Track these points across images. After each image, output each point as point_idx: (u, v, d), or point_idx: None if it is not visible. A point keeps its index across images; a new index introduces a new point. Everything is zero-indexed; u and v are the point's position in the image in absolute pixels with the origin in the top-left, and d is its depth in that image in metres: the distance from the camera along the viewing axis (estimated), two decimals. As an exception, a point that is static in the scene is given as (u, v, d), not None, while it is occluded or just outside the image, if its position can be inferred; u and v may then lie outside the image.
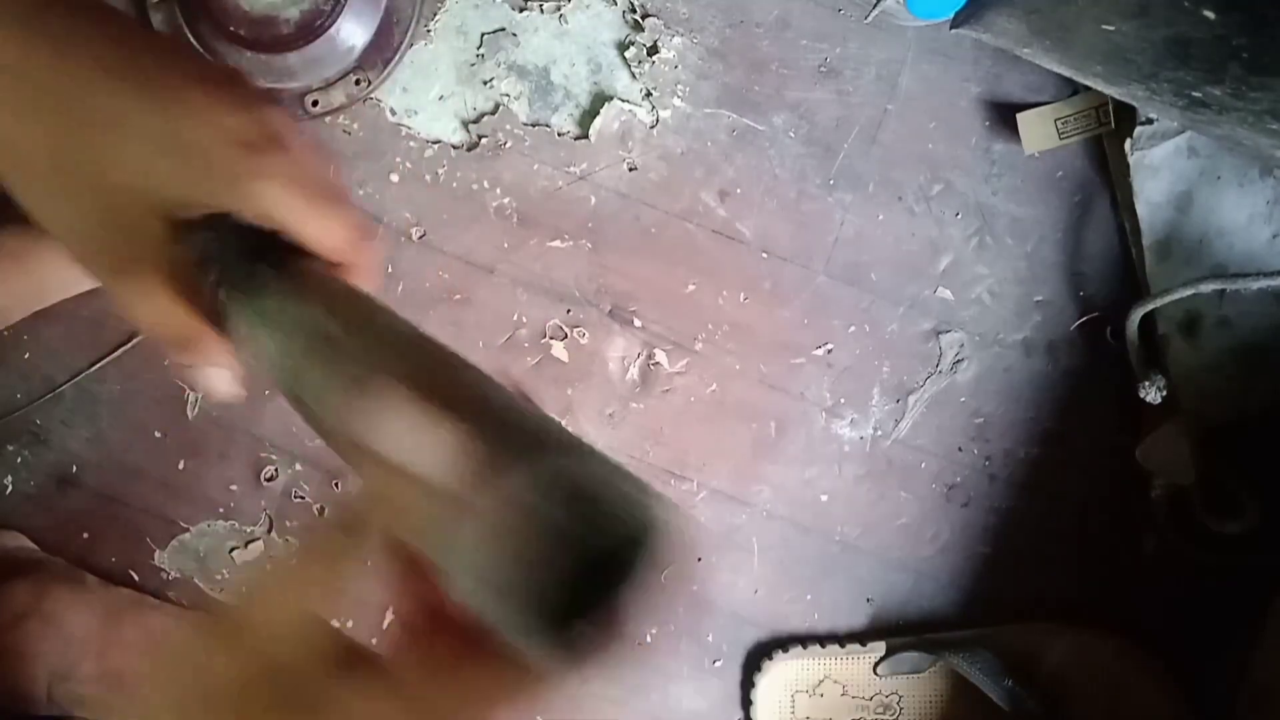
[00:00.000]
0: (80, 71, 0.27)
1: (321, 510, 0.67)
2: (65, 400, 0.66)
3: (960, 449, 0.67)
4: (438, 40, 0.66)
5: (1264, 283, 0.56)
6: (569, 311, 0.67)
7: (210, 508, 0.67)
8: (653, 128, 0.66)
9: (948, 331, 0.67)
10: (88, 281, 0.62)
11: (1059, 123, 0.64)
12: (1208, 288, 0.58)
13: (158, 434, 0.67)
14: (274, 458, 0.67)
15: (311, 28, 0.60)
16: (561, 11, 0.66)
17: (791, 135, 0.66)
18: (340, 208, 0.31)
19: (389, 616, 0.65)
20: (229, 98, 0.28)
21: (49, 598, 0.60)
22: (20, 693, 0.56)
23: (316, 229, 0.30)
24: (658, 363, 0.67)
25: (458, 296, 0.66)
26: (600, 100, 0.66)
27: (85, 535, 0.67)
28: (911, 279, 0.66)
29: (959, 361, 0.67)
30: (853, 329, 0.67)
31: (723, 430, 0.67)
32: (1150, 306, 0.60)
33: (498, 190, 0.66)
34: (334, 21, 0.60)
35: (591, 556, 0.24)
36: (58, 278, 0.61)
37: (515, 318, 0.67)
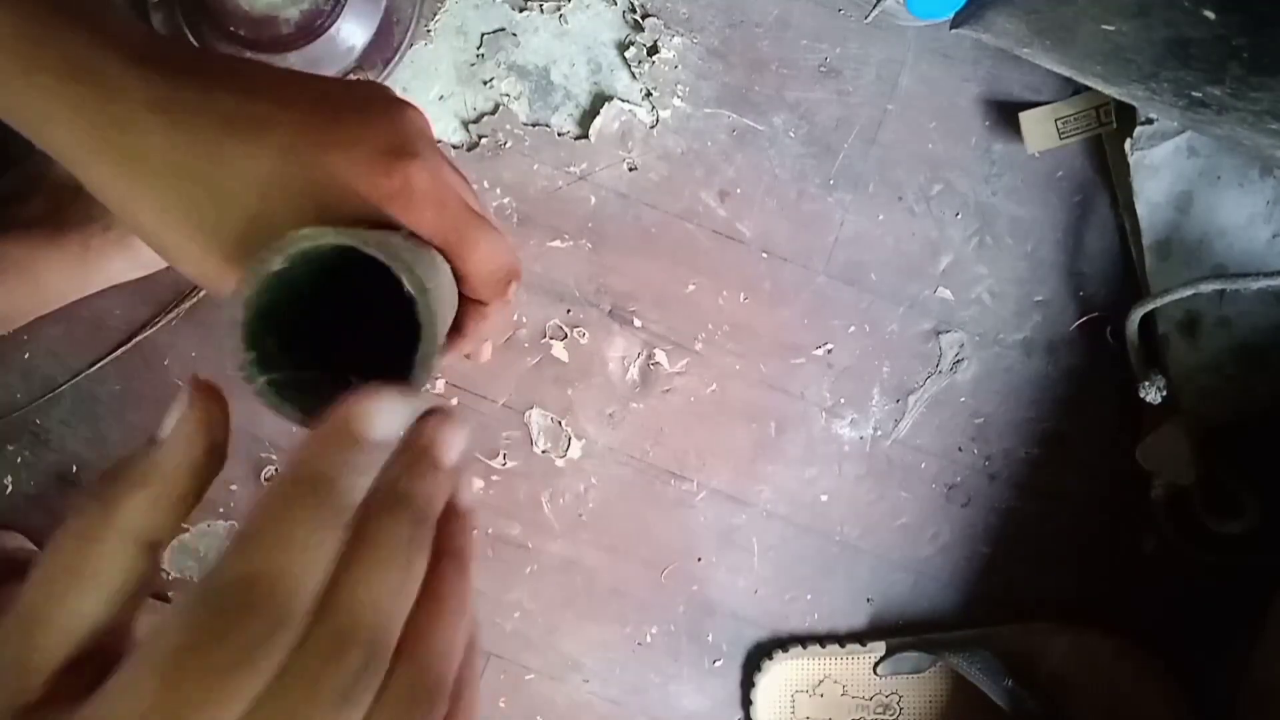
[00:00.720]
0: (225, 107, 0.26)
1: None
2: (65, 400, 0.66)
3: (960, 449, 0.67)
4: (438, 40, 0.66)
5: (1264, 283, 0.56)
6: (569, 311, 0.67)
7: (210, 508, 0.67)
8: (653, 128, 0.66)
9: (948, 331, 0.67)
10: (91, 287, 0.62)
11: (1059, 122, 0.64)
12: (1208, 288, 0.58)
13: (157, 434, 0.67)
14: (274, 458, 0.67)
15: (311, 28, 0.60)
16: (561, 11, 0.66)
17: (791, 135, 0.66)
18: (492, 228, 0.30)
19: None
20: (364, 111, 0.27)
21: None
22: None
23: (463, 249, 0.28)
24: (658, 363, 0.67)
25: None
26: (600, 100, 0.66)
27: (85, 535, 0.67)
28: (911, 279, 0.66)
29: (959, 361, 0.67)
30: (853, 329, 0.67)
31: (723, 430, 0.67)
32: (1150, 306, 0.60)
33: (498, 190, 0.66)
34: (334, 21, 0.60)
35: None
36: (61, 285, 0.61)
37: (515, 318, 0.67)
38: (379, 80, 0.65)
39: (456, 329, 0.31)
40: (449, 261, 0.29)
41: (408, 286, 0.23)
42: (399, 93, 0.65)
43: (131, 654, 0.18)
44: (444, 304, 0.26)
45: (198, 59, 0.27)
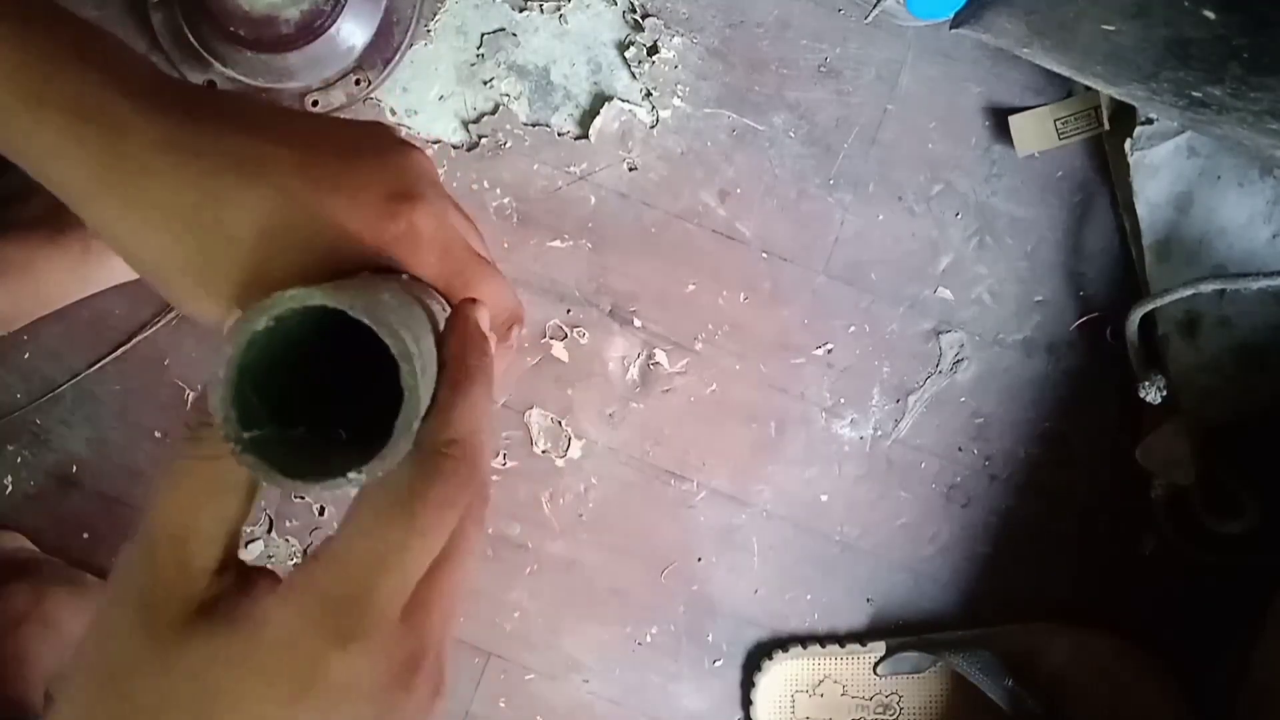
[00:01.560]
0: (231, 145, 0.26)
1: (321, 510, 0.67)
2: (65, 400, 0.66)
3: (960, 449, 0.67)
4: (438, 40, 0.66)
5: (1264, 283, 0.56)
6: (569, 311, 0.67)
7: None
8: (653, 128, 0.66)
9: (948, 331, 0.67)
10: (91, 287, 0.62)
11: (1058, 123, 0.64)
12: (1208, 288, 0.58)
13: (158, 434, 0.67)
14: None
15: (311, 28, 0.60)
16: (561, 11, 0.66)
17: (791, 135, 0.66)
18: (495, 272, 0.30)
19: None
20: (369, 154, 0.28)
21: (48, 600, 0.60)
22: (19, 697, 0.56)
23: (466, 293, 0.29)
24: (658, 363, 0.67)
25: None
26: (600, 100, 0.66)
27: (85, 535, 0.67)
28: (911, 279, 0.66)
29: (959, 361, 0.67)
30: (853, 329, 0.67)
31: (723, 430, 0.67)
32: (1150, 306, 0.60)
33: (498, 190, 0.66)
34: (334, 21, 0.60)
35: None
36: (62, 286, 0.61)
37: (515, 318, 0.67)
38: (378, 81, 0.65)
39: None
40: (451, 306, 0.29)
41: (393, 352, 0.23)
42: (399, 93, 0.65)
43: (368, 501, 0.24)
44: (435, 360, 0.26)
45: (206, 99, 0.27)
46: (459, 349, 0.27)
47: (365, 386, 0.27)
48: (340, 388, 0.28)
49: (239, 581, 0.25)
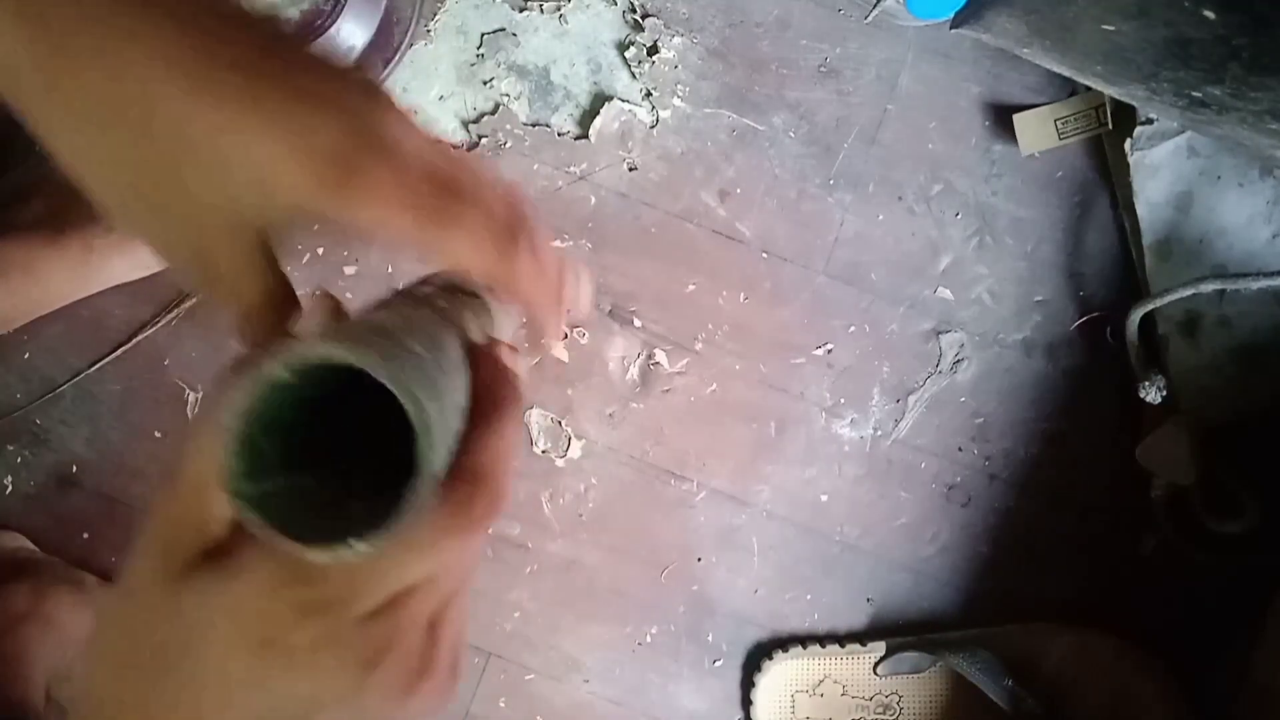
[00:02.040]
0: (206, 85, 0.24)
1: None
2: (65, 400, 0.66)
3: (960, 449, 0.67)
4: (438, 40, 0.66)
5: (1264, 283, 0.56)
6: (569, 311, 0.66)
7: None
8: (653, 128, 0.66)
9: (948, 331, 0.67)
10: (92, 287, 0.62)
11: (1058, 123, 0.64)
12: (1208, 288, 0.58)
13: (158, 434, 0.67)
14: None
15: (311, 28, 0.60)
16: (561, 11, 0.66)
17: (791, 135, 0.66)
18: (564, 265, 0.31)
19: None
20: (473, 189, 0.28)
21: (49, 600, 0.60)
22: (19, 696, 0.56)
23: (543, 304, 0.30)
24: (658, 363, 0.67)
25: (458, 297, 0.66)
26: (600, 100, 0.66)
27: (85, 535, 0.67)
28: (911, 279, 0.66)
29: (959, 361, 0.67)
30: (853, 329, 0.67)
31: (723, 430, 0.67)
32: (1150, 306, 0.60)
33: (498, 190, 0.66)
34: (334, 21, 0.60)
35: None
36: (63, 286, 0.61)
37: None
38: (379, 81, 0.65)
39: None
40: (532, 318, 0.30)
41: (411, 420, 0.21)
42: (399, 93, 0.65)
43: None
44: (456, 414, 0.25)
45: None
46: (489, 382, 0.27)
47: (388, 412, 0.26)
48: (361, 417, 0.27)
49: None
